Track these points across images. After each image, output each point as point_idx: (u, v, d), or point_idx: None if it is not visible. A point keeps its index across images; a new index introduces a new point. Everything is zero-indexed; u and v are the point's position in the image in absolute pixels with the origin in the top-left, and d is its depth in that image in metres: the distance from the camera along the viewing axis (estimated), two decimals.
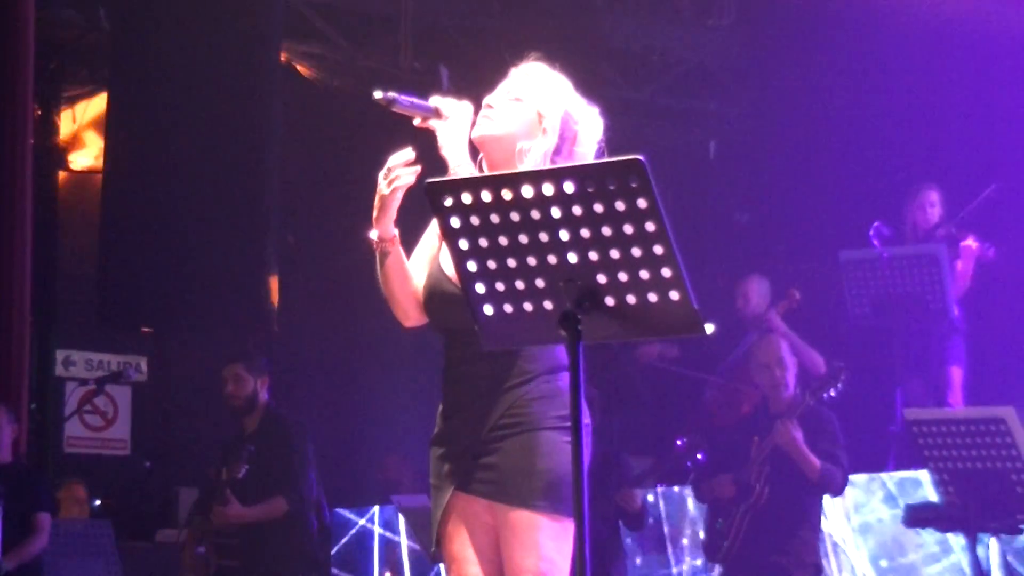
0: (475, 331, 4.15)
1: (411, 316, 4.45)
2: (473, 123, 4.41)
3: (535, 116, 4.39)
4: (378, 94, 4.26)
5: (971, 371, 9.79)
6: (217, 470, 8.29)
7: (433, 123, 4.38)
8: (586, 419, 4.19)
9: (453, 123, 4.37)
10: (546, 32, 10.53)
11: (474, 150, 4.43)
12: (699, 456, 8.57)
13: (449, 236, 3.53)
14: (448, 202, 3.50)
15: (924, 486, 8.61)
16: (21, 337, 9.27)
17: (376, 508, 10.49)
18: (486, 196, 3.46)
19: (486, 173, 4.27)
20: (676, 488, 9.59)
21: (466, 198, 3.48)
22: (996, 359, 10.24)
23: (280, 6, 10.96)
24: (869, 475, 9.21)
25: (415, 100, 4.36)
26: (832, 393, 7.79)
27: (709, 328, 3.56)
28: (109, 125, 11.03)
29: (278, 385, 8.88)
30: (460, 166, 4.33)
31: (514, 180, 3.47)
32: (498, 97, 4.45)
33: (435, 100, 4.39)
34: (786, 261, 11.33)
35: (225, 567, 8.27)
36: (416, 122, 4.38)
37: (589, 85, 4.61)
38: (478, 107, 4.46)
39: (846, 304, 9.79)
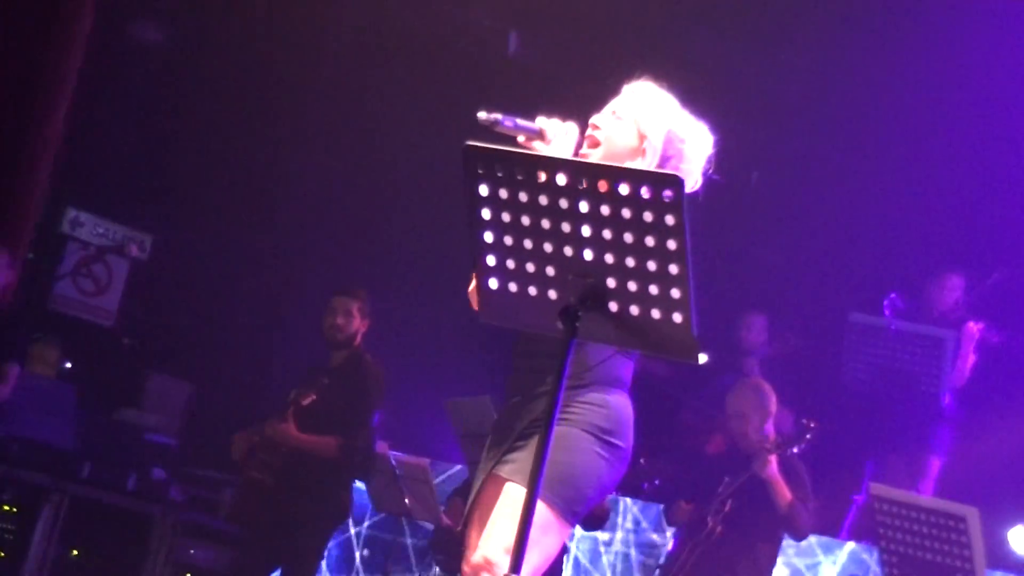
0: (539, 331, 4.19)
1: None
2: (579, 144, 4.45)
3: (636, 135, 4.45)
4: (482, 115, 4.27)
5: (956, 462, 9.64)
6: (293, 391, 8.30)
7: (536, 144, 4.39)
8: (625, 443, 4.29)
9: (556, 146, 4.40)
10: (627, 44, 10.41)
11: None
12: (656, 482, 8.51)
13: (474, 202, 3.52)
14: (481, 169, 3.49)
15: (871, 562, 8.61)
16: (36, 187, 9.26)
17: None
18: (520, 174, 3.45)
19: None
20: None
21: (500, 170, 3.47)
22: (986, 454, 10.01)
23: None
24: (820, 537, 9.19)
25: (518, 121, 4.38)
26: (795, 450, 7.74)
27: (703, 358, 3.55)
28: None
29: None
30: None
31: (551, 165, 3.46)
32: (603, 117, 4.51)
33: (541, 121, 4.42)
34: (795, 307, 11.25)
35: (256, 480, 8.25)
36: (520, 139, 4.39)
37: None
38: (584, 127, 4.49)
39: (842, 365, 9.75)
